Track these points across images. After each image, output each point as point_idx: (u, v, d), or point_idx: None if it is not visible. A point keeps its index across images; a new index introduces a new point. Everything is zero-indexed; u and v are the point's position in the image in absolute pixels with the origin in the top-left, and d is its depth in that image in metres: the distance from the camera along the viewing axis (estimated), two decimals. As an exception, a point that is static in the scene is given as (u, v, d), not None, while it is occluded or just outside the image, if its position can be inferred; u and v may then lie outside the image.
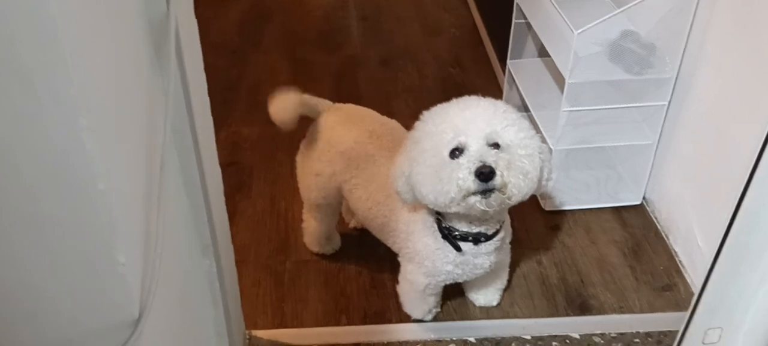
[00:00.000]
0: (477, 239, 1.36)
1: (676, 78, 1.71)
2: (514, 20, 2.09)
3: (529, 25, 2.05)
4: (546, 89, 2.02)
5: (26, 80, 0.57)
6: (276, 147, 2.17)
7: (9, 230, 0.66)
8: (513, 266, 1.70)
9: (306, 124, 1.64)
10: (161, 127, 0.85)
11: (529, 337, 1.56)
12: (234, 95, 2.45)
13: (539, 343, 1.55)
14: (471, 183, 1.19)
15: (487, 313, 1.63)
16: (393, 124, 1.58)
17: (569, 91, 1.71)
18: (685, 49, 1.67)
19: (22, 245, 0.68)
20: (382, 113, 1.62)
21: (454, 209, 1.25)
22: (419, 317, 1.58)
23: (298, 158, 1.63)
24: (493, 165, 1.19)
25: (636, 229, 1.87)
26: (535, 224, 1.88)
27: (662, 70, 1.72)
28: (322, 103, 1.61)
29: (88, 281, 0.72)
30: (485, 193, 1.21)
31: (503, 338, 1.55)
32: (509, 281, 1.68)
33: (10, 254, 0.68)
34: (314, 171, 1.56)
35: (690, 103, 1.70)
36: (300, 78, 2.54)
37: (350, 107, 1.62)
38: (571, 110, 1.75)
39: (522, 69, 2.14)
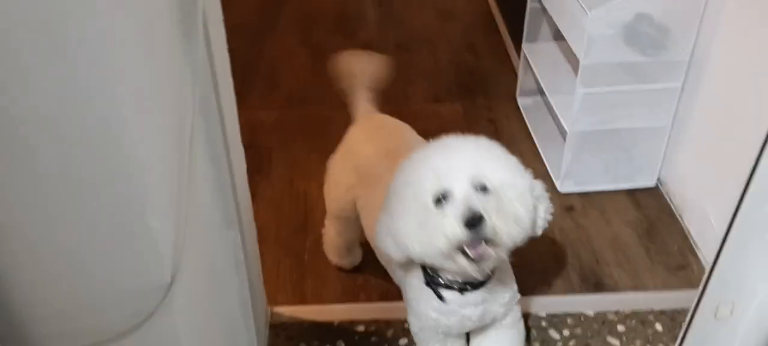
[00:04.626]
0: (462, 288, 1.24)
1: (690, 60, 1.73)
2: (529, 4, 2.11)
3: (544, 9, 2.06)
4: (561, 72, 2.03)
5: (68, 51, 0.60)
6: (294, 130, 2.21)
7: (48, 194, 0.70)
8: (528, 246, 1.70)
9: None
10: (189, 102, 0.88)
11: (544, 314, 1.59)
12: (252, 78, 2.49)
13: (554, 320, 1.57)
14: (460, 233, 1.07)
15: (503, 291, 1.65)
16: (418, 143, 1.47)
17: (584, 73, 1.73)
18: (698, 30, 1.68)
19: (60, 209, 0.71)
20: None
21: (439, 263, 1.15)
22: None
23: (329, 163, 1.58)
24: (482, 211, 1.07)
25: (650, 210, 1.89)
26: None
27: (676, 52, 1.73)
28: (364, 108, 1.57)
29: (123, 245, 0.76)
30: (476, 258, 1.10)
31: (518, 315, 1.58)
32: (524, 259, 1.70)
33: (48, 217, 0.72)
34: (334, 179, 1.54)
35: (703, 84, 1.71)
36: (317, 63, 2.57)
37: (382, 119, 1.56)
38: (585, 92, 1.77)
39: (537, 52, 2.16)
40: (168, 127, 0.81)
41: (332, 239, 1.69)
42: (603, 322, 1.57)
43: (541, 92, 2.19)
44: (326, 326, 1.56)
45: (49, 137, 0.65)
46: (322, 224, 1.84)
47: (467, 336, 1.41)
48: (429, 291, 1.27)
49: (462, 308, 1.27)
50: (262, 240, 1.48)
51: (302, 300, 1.64)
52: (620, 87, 1.79)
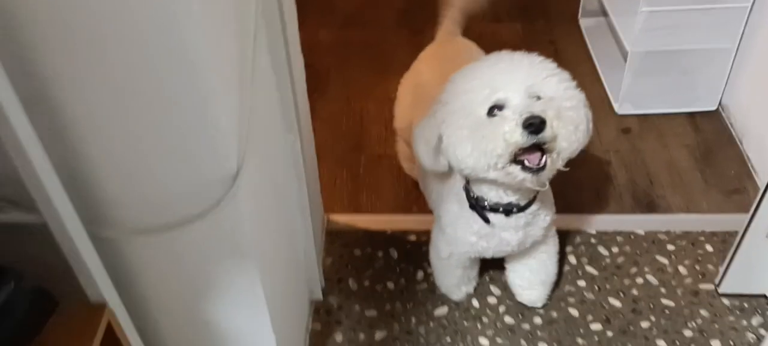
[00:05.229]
0: (508, 209, 1.23)
1: (761, -22, 1.67)
2: None
3: (609, -74, 2.01)
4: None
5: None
6: (351, 51, 2.24)
7: (124, 92, 0.76)
8: (582, 166, 1.71)
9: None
10: (253, 8, 0.93)
11: (593, 231, 1.61)
12: (310, -1, 2.51)
13: (604, 237, 1.60)
14: (519, 136, 1.05)
15: (554, 208, 1.68)
16: None
17: (647, -9, 1.69)
18: (772, -53, 1.62)
19: (135, 106, 0.77)
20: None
21: (493, 175, 1.12)
22: (446, 292, 1.49)
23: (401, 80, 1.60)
24: (542, 115, 1.05)
25: (709, 134, 1.86)
26: (606, 127, 1.90)
27: (746, -30, 1.68)
28: (446, 29, 1.57)
29: (192, 138, 0.81)
30: (534, 166, 1.08)
31: (568, 231, 1.60)
32: (577, 178, 1.71)
33: (124, 113, 0.78)
34: (399, 96, 1.56)
35: (774, 4, 1.66)
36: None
37: (458, 42, 1.55)
38: (649, 11, 1.73)
39: (600, -28, 2.11)
40: (232, 30, 0.85)
41: (402, 150, 1.73)
42: (653, 241, 1.58)
43: (604, 13, 2.15)
44: (379, 235, 1.63)
45: (118, 40, 0.70)
46: (377, 142, 1.89)
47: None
48: (469, 214, 1.25)
49: (503, 230, 1.26)
50: (319, 155, 1.55)
51: (357, 211, 1.71)
52: (685, 6, 1.74)
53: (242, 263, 0.94)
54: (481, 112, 1.10)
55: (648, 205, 1.69)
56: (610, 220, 1.64)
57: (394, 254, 1.59)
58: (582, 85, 1.18)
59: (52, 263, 0.79)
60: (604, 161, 1.80)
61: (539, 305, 1.47)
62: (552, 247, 1.43)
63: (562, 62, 1.18)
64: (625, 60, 1.86)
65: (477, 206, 1.24)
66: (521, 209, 1.23)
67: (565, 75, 1.15)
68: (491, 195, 1.22)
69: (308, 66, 1.31)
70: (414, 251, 1.59)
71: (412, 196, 1.74)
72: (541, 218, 1.30)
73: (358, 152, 1.89)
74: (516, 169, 1.09)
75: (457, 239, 1.32)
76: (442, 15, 1.61)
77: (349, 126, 1.98)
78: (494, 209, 1.23)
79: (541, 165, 1.08)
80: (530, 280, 1.45)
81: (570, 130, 1.09)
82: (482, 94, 1.10)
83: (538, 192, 1.25)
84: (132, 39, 0.71)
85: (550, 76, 1.12)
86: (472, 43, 1.57)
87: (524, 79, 1.09)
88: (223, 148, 0.83)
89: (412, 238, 1.62)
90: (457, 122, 1.11)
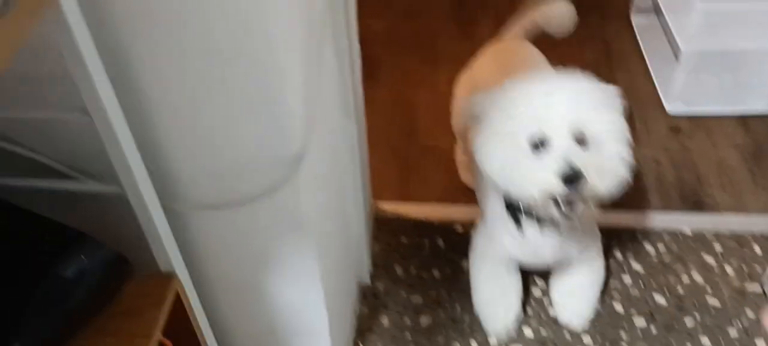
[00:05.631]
0: (541, 220, 1.22)
1: (821, -21, 1.65)
2: None
3: (666, -77, 2.00)
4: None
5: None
6: (404, 42, 2.28)
7: (200, 70, 0.81)
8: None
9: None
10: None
11: (640, 228, 1.62)
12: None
13: (650, 234, 1.60)
14: (556, 187, 1.05)
15: (600, 204, 1.69)
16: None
17: (704, -11, 1.68)
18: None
19: (209, 84, 0.82)
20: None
21: (526, 202, 1.14)
22: (482, 317, 1.45)
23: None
24: (582, 168, 1.04)
25: (760, 135, 1.85)
26: (656, 125, 1.90)
27: (806, -29, 1.66)
28: (511, 33, 1.58)
29: (263, 118, 0.86)
30: (568, 203, 1.09)
31: (615, 228, 1.61)
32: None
33: (199, 91, 0.83)
34: (456, 95, 1.58)
35: (834, 6, 1.63)
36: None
37: (512, 43, 1.56)
38: (706, 8, 1.72)
39: (655, -31, 2.10)
40: (300, 12, 0.89)
41: (459, 156, 1.75)
42: (700, 240, 1.59)
43: (657, 11, 2.15)
44: (427, 224, 1.67)
45: (202, 17, 0.75)
46: (428, 133, 1.93)
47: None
48: (507, 215, 1.25)
49: (538, 241, 1.26)
50: (370, 143, 1.59)
51: (405, 199, 1.74)
52: (743, 4, 1.73)
53: (301, 241, 0.99)
54: (523, 142, 1.09)
55: (696, 203, 1.69)
56: (658, 217, 1.65)
57: (441, 243, 1.63)
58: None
59: (120, 233, 0.85)
60: (653, 159, 1.81)
61: (577, 327, 1.44)
62: (594, 269, 1.41)
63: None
64: (677, 58, 1.86)
65: (512, 207, 1.23)
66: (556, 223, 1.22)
67: (615, 107, 1.12)
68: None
69: (362, 55, 1.35)
70: (460, 241, 1.62)
71: (461, 187, 1.77)
72: (579, 235, 1.29)
73: (409, 142, 1.93)
74: (551, 206, 1.11)
75: (495, 239, 1.34)
76: (515, 17, 1.60)
77: (401, 116, 2.02)
78: (528, 212, 1.21)
79: (574, 211, 1.09)
80: (570, 298, 1.44)
81: (609, 181, 1.08)
82: (526, 124, 1.09)
83: None
84: (211, 17, 0.75)
85: (598, 113, 1.10)
86: (535, 48, 1.54)
87: (570, 116, 1.08)
88: (291, 129, 0.87)
89: (459, 229, 1.65)
90: (500, 146, 1.12)
